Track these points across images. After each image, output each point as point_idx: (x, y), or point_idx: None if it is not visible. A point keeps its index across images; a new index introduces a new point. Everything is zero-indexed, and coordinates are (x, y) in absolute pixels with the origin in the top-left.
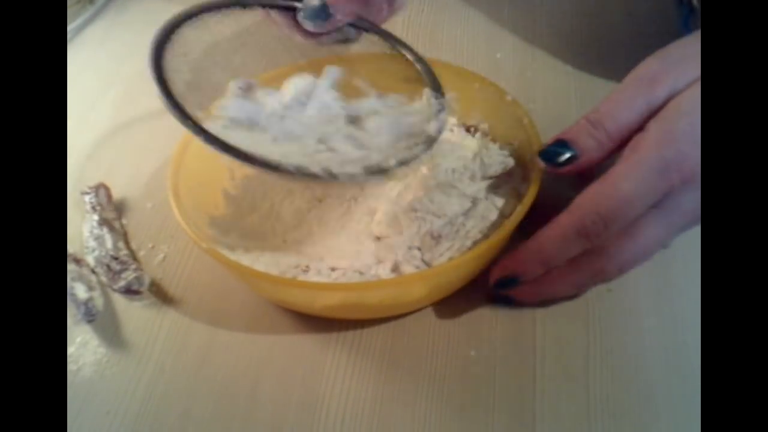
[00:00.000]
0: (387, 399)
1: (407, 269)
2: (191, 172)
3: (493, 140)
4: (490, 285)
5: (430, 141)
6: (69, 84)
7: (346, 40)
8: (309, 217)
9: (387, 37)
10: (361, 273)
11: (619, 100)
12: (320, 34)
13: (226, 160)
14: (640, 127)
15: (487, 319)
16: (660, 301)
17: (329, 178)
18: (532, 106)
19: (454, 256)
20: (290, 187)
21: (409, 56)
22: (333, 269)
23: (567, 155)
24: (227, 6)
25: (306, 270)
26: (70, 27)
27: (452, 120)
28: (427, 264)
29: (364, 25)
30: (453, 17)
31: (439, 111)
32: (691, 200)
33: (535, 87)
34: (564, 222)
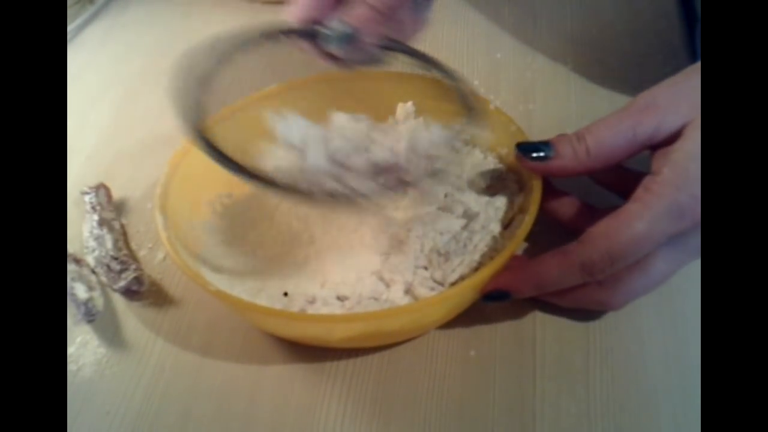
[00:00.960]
0: (387, 399)
1: (421, 291)
2: (181, 191)
3: (479, 149)
4: (481, 295)
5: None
6: (69, 84)
7: (374, 63)
8: (299, 242)
9: (417, 55)
10: (375, 299)
11: (606, 122)
12: (347, 59)
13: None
14: (623, 153)
15: (487, 319)
16: (660, 301)
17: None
18: (532, 106)
19: (465, 272)
20: (272, 213)
21: (440, 75)
22: (341, 298)
23: (542, 153)
24: (253, 41)
25: (312, 301)
26: (70, 27)
27: None
28: (439, 282)
29: (392, 46)
30: (453, 17)
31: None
32: (698, 240)
33: (535, 87)
34: (570, 252)
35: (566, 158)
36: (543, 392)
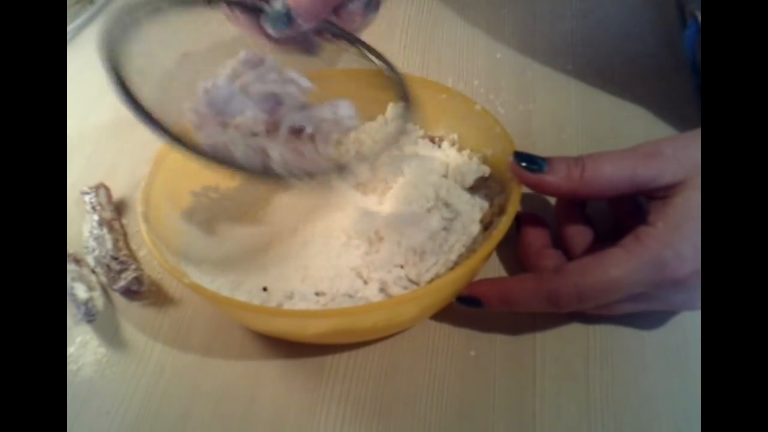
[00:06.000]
0: (387, 399)
1: (395, 289)
2: (162, 190)
3: (463, 150)
4: (456, 297)
5: (390, 140)
6: (69, 84)
7: (308, 50)
8: (283, 236)
9: (355, 42)
10: (350, 296)
11: (608, 155)
12: (284, 40)
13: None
14: (617, 189)
15: (487, 319)
16: None
17: (305, 178)
18: (532, 106)
19: (440, 272)
20: (258, 206)
21: (378, 62)
22: (318, 294)
23: (536, 166)
24: (192, 2)
25: (291, 296)
26: (70, 27)
27: (418, 132)
28: (413, 281)
29: (331, 30)
30: (453, 17)
31: (402, 119)
32: (677, 299)
33: (535, 87)
34: (543, 280)
35: (557, 176)
36: (543, 392)
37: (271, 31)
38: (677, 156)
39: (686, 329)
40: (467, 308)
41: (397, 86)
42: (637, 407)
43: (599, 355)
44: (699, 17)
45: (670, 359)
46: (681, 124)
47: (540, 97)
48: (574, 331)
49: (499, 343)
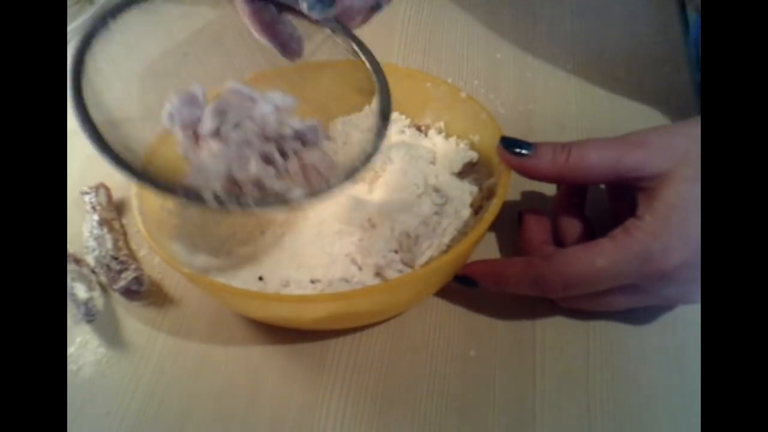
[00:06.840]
0: (387, 399)
1: (390, 273)
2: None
3: (450, 137)
4: (453, 277)
5: (351, 171)
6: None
7: (294, 51)
8: (275, 226)
9: (355, 41)
10: (346, 281)
11: (596, 141)
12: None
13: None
14: (601, 175)
15: (487, 319)
16: None
17: (251, 207)
18: (532, 106)
19: (434, 255)
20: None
21: (369, 66)
22: (314, 281)
23: (522, 150)
24: None
25: (286, 284)
26: (70, 27)
27: (404, 121)
28: (408, 265)
29: (332, 26)
30: (453, 17)
31: (376, 138)
32: (668, 292)
33: (535, 87)
34: (532, 264)
35: (542, 160)
36: (543, 392)
37: (315, 14)
38: (664, 147)
39: (686, 329)
40: (463, 286)
41: (380, 97)
42: (637, 407)
43: (599, 355)
44: (700, 15)
45: (670, 359)
46: None
47: (540, 97)
48: (574, 331)
49: (499, 343)
